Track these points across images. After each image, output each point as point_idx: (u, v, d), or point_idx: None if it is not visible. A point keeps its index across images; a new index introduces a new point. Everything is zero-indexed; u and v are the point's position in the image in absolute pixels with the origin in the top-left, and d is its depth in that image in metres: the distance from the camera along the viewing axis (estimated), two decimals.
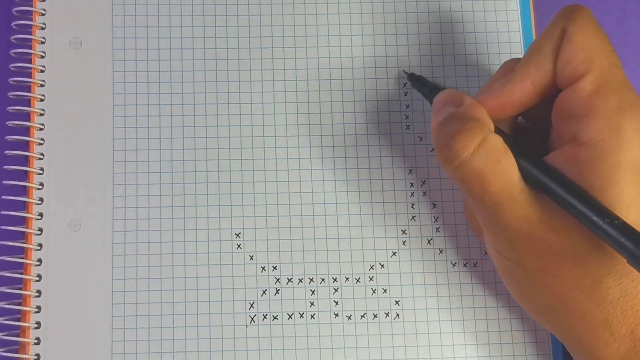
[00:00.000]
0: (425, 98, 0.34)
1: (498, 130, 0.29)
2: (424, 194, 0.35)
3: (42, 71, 0.35)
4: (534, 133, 0.32)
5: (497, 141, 0.28)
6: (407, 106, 0.36)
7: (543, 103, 0.30)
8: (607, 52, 0.28)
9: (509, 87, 0.29)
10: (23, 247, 0.34)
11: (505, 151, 0.28)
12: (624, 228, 0.25)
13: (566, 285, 0.28)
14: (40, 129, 0.35)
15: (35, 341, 0.33)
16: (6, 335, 0.33)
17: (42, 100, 0.35)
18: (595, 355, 0.28)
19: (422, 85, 0.35)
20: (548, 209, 0.28)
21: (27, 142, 0.35)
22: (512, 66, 0.30)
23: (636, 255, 0.24)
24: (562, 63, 0.28)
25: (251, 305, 0.34)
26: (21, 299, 0.34)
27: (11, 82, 0.35)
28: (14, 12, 0.36)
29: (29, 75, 0.35)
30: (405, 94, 0.36)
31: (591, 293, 0.27)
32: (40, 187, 0.34)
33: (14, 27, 0.36)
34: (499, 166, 0.28)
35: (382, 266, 0.35)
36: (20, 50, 0.35)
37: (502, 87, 0.29)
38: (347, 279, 0.34)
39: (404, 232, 0.35)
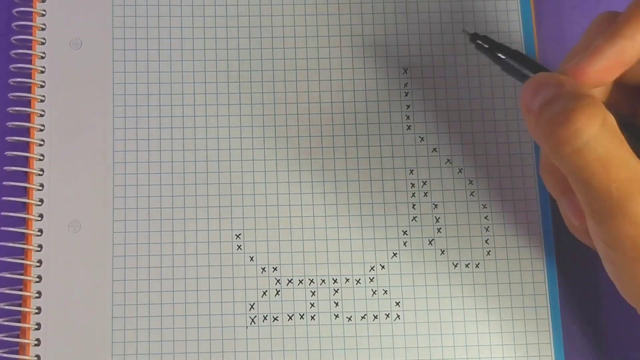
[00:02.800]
0: (494, 61, 0.30)
1: (612, 111, 0.25)
2: (425, 194, 0.35)
3: (42, 72, 0.35)
4: (624, 96, 0.28)
5: (615, 123, 0.24)
6: (408, 106, 0.36)
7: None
8: None
9: (620, 43, 0.25)
10: (23, 248, 0.34)
11: (622, 135, 0.24)
12: None
13: None
14: (41, 130, 0.35)
15: (36, 342, 0.33)
16: (6, 337, 0.33)
17: (42, 101, 0.35)
18: None
19: (489, 46, 0.30)
20: None
21: (27, 142, 0.35)
22: (606, 22, 0.27)
23: None
24: None
25: (251, 306, 0.34)
26: (21, 300, 0.34)
27: (11, 83, 0.35)
28: (14, 13, 0.36)
29: (29, 76, 0.35)
30: (406, 94, 0.36)
31: None
32: (40, 188, 0.34)
33: (14, 27, 0.36)
34: (623, 151, 0.24)
35: (383, 267, 0.34)
36: (20, 51, 0.35)
37: (611, 45, 0.25)
38: (348, 280, 0.34)
39: (404, 232, 0.35)
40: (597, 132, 0.24)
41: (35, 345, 0.33)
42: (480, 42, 0.31)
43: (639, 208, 0.24)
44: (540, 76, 0.26)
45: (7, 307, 0.33)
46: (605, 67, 0.25)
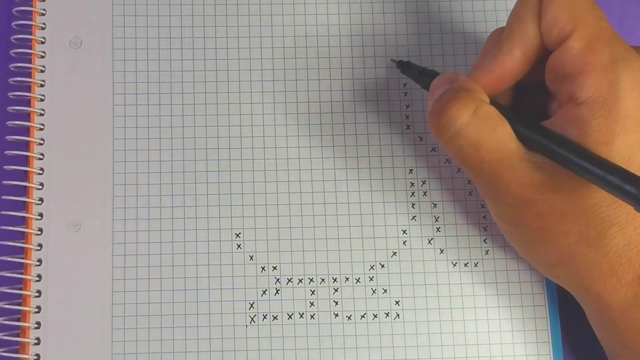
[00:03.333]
0: (416, 82, 0.34)
1: (494, 104, 0.29)
2: (425, 193, 0.35)
3: (42, 71, 0.35)
4: (534, 101, 0.31)
5: (491, 110, 0.28)
6: (407, 106, 0.36)
7: (537, 68, 0.30)
8: (590, 7, 0.28)
9: (500, 59, 0.29)
10: (23, 247, 0.34)
11: (501, 120, 0.28)
12: (627, 176, 0.25)
13: (571, 240, 0.28)
14: (40, 129, 0.35)
15: (35, 341, 0.33)
16: (6, 335, 0.33)
17: (42, 100, 0.35)
18: (603, 302, 0.29)
19: (411, 69, 0.34)
20: (548, 172, 0.28)
21: (27, 142, 0.35)
22: (498, 37, 0.30)
23: None
24: (547, 25, 0.28)
25: (251, 306, 0.34)
26: (21, 299, 0.34)
27: (11, 82, 0.35)
28: (14, 12, 0.36)
29: (29, 75, 0.35)
30: (405, 94, 0.36)
31: (596, 245, 0.28)
32: (40, 187, 0.34)
33: (14, 27, 0.36)
34: (494, 135, 0.28)
35: (383, 266, 0.34)
36: (20, 50, 0.35)
37: (493, 61, 0.29)
38: (347, 279, 0.34)
39: (404, 232, 0.35)
40: (469, 121, 0.28)
41: (35, 344, 0.33)
42: (402, 67, 0.34)
43: (509, 183, 0.28)
44: (443, 75, 0.30)
45: (7, 306, 0.33)
46: (493, 79, 0.29)
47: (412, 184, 0.35)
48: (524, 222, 0.29)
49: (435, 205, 0.35)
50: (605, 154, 0.26)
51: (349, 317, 0.34)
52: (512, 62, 0.29)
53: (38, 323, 0.33)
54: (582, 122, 0.27)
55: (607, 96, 0.26)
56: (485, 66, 0.29)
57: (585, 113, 0.27)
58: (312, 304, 0.34)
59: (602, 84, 0.26)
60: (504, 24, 0.31)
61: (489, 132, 0.28)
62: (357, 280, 0.34)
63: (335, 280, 0.34)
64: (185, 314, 0.34)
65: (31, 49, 0.36)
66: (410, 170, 0.35)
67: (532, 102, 0.31)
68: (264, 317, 0.34)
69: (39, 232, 0.34)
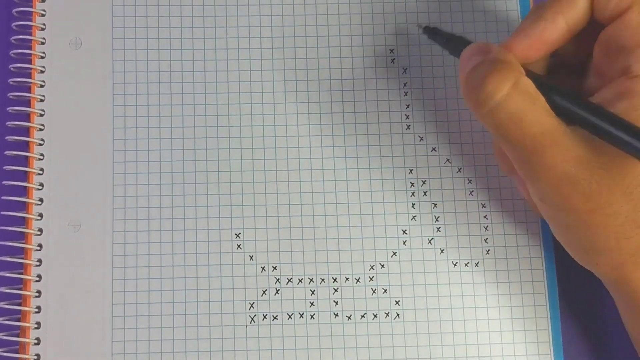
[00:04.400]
0: (444, 48, 0.33)
1: (530, 73, 0.28)
2: (425, 193, 0.35)
3: (42, 72, 0.35)
4: (566, 74, 0.31)
5: (529, 83, 0.27)
6: (407, 106, 0.36)
7: (575, 41, 0.29)
8: None
9: (541, 25, 0.28)
10: (23, 248, 0.34)
11: (538, 93, 0.27)
12: None
13: (618, 222, 0.27)
14: (40, 130, 0.35)
15: (35, 341, 0.33)
16: (6, 336, 0.33)
17: (42, 100, 0.35)
18: None
19: (438, 36, 0.33)
20: (594, 147, 0.27)
21: (27, 142, 0.35)
22: (543, 7, 0.29)
23: None
24: None
25: (251, 306, 0.34)
26: (21, 299, 0.34)
27: (11, 83, 0.35)
28: (14, 13, 0.36)
29: (29, 75, 0.35)
30: (406, 94, 0.36)
31: None
32: (40, 187, 0.35)
33: (14, 27, 0.36)
34: (536, 108, 0.27)
35: (383, 266, 0.34)
36: (20, 50, 0.35)
37: (534, 26, 0.28)
38: (347, 279, 0.34)
39: (404, 232, 0.35)
40: (509, 93, 0.27)
41: (35, 344, 0.33)
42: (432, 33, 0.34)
43: (554, 159, 0.27)
44: (474, 45, 0.30)
45: (7, 306, 0.33)
46: (529, 46, 0.29)
47: (412, 184, 0.35)
48: (571, 203, 0.27)
49: (435, 205, 0.35)
50: None
51: (349, 317, 0.34)
52: (553, 30, 0.28)
53: (38, 323, 0.33)
54: (634, 95, 0.26)
55: None
56: (524, 30, 0.29)
57: (638, 86, 0.26)
58: (312, 304, 0.34)
59: None
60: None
61: (530, 104, 0.27)
62: (357, 280, 0.34)
63: (335, 280, 0.34)
64: (185, 314, 0.34)
65: (31, 49, 0.36)
66: (410, 170, 0.35)
67: (562, 78, 0.31)
68: (264, 317, 0.34)
69: (39, 232, 0.34)
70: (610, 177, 0.27)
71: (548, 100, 0.28)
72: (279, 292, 0.34)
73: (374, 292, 0.34)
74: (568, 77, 0.31)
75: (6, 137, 0.35)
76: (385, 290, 0.34)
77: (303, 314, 0.34)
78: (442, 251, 0.35)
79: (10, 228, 0.34)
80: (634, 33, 0.27)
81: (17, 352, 0.33)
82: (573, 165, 0.27)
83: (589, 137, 0.27)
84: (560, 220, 0.29)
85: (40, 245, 0.34)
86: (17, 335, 0.33)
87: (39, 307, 0.33)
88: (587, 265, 0.30)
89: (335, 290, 0.34)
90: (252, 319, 0.34)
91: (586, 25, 0.29)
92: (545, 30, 0.28)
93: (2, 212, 0.34)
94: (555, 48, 0.29)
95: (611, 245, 0.28)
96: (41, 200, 0.34)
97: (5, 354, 0.33)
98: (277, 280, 0.34)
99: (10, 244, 0.34)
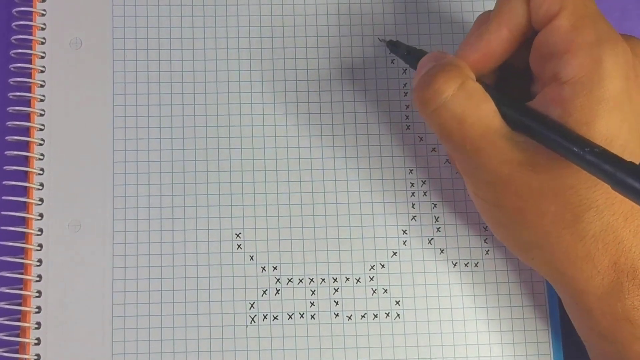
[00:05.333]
0: (405, 61, 0.34)
1: (480, 82, 0.29)
2: (425, 194, 0.35)
3: (42, 72, 0.35)
4: (517, 85, 0.31)
5: (477, 87, 0.28)
6: (407, 106, 0.36)
7: (523, 50, 0.30)
8: None
9: (486, 37, 0.29)
10: (23, 248, 0.34)
11: (485, 97, 0.28)
12: (605, 154, 0.25)
13: (547, 222, 0.28)
14: (41, 130, 0.35)
15: (36, 341, 0.33)
16: (6, 336, 0.33)
17: (42, 100, 0.35)
18: (579, 288, 0.29)
19: (399, 49, 0.34)
20: (530, 151, 0.28)
21: (27, 142, 0.35)
22: (486, 19, 0.30)
23: (618, 178, 0.24)
24: (535, 4, 0.28)
25: (251, 306, 0.34)
26: (21, 299, 0.34)
27: (11, 83, 0.35)
28: (14, 13, 0.36)
29: (29, 75, 0.35)
30: (405, 94, 0.36)
31: (573, 228, 0.28)
32: (41, 187, 0.34)
33: (14, 27, 0.36)
34: (478, 110, 0.28)
35: (383, 266, 0.34)
36: (20, 50, 0.35)
37: (479, 39, 0.29)
38: (348, 279, 0.34)
39: (404, 232, 0.35)
40: (455, 94, 0.28)
41: (36, 344, 0.33)
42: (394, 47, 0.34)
43: (490, 160, 0.28)
44: (430, 54, 0.31)
45: (7, 306, 0.33)
46: (477, 60, 0.29)
47: (412, 184, 0.35)
48: (502, 201, 0.29)
49: (435, 205, 0.35)
50: (586, 134, 0.26)
51: (349, 317, 0.34)
52: (499, 40, 0.29)
53: (38, 323, 0.33)
54: (565, 101, 0.27)
55: (590, 76, 0.26)
56: (471, 44, 0.29)
57: (568, 92, 0.27)
58: (312, 304, 0.34)
59: (586, 64, 0.26)
60: (490, 3, 0.30)
61: (473, 107, 0.28)
62: (358, 280, 0.34)
63: (335, 280, 0.34)
64: (185, 314, 0.34)
65: (31, 49, 0.36)
66: (410, 170, 0.35)
67: (515, 86, 0.31)
68: (264, 317, 0.34)
69: (39, 232, 0.34)
70: (541, 178, 0.28)
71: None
72: (279, 292, 0.34)
73: (374, 292, 0.34)
74: (518, 81, 0.31)
75: (6, 137, 0.35)
76: (386, 290, 0.34)
77: (303, 314, 0.34)
78: (442, 251, 0.35)
79: (11, 228, 0.34)
80: (562, 39, 0.27)
81: (17, 352, 0.33)
82: (507, 166, 0.28)
83: (528, 141, 0.28)
84: (494, 216, 0.30)
85: (40, 245, 0.34)
86: (17, 336, 0.33)
87: (39, 307, 0.33)
88: (524, 259, 0.31)
89: (336, 290, 0.34)
90: (253, 319, 0.34)
91: (529, 32, 0.29)
92: (491, 42, 0.29)
93: (2, 212, 0.34)
94: (505, 59, 0.30)
95: (542, 243, 0.29)
96: (41, 200, 0.34)
97: (5, 354, 0.33)
98: (278, 280, 0.34)
99: (10, 244, 0.34)
